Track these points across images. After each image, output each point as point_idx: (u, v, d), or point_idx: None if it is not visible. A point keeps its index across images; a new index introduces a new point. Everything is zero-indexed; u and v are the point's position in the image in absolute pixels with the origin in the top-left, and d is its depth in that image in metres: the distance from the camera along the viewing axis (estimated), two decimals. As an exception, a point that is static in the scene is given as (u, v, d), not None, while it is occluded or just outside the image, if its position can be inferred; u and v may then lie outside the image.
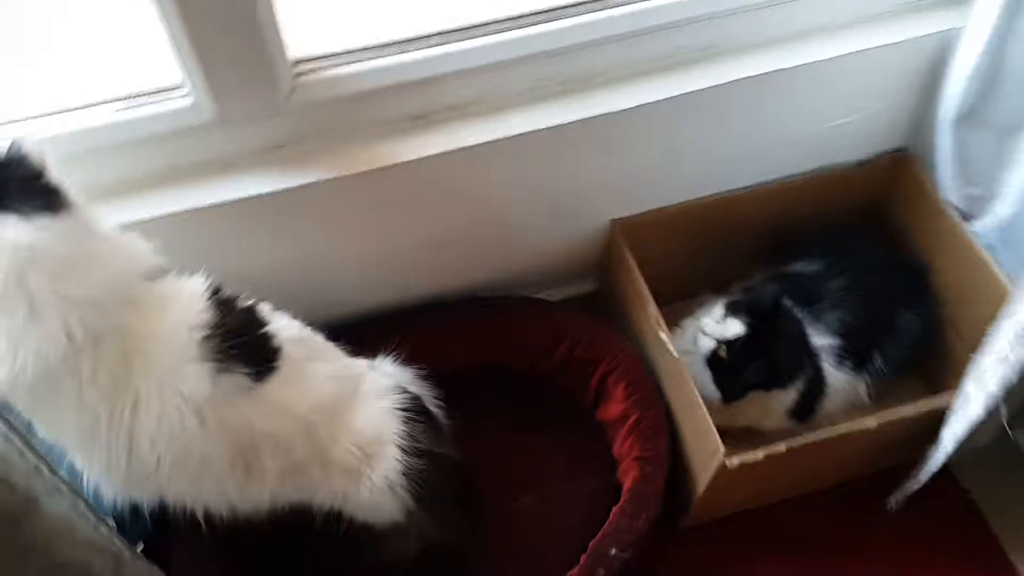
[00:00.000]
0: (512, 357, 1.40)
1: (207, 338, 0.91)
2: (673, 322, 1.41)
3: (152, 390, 0.88)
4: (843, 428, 1.17)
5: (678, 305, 1.42)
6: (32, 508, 0.89)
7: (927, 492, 1.30)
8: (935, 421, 1.18)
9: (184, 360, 0.89)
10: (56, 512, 0.91)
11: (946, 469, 1.43)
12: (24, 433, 0.84)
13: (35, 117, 0.99)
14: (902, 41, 1.22)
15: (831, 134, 1.34)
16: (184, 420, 0.90)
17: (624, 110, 1.14)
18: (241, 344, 0.93)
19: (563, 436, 1.39)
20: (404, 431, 1.07)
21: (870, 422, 1.16)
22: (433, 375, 1.23)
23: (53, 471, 0.87)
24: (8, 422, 0.81)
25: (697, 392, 1.20)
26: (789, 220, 1.46)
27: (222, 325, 0.92)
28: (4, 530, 0.92)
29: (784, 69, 1.19)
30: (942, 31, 1.23)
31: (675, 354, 1.22)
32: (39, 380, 0.83)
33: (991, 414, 1.11)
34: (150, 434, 0.89)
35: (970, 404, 1.09)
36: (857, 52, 1.21)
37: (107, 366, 0.85)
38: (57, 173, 0.86)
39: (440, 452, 1.11)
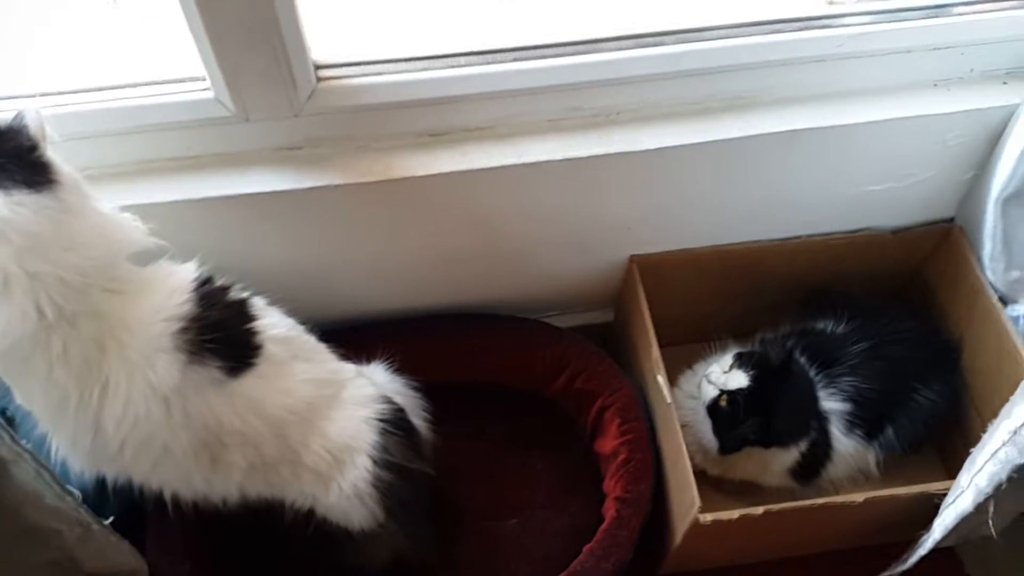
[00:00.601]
0: (515, 377, 1.41)
1: (182, 329, 0.92)
2: (687, 364, 1.40)
3: (121, 376, 0.89)
4: (826, 501, 1.13)
5: (695, 347, 1.39)
6: (2, 471, 0.93)
7: (927, 568, 1.24)
8: (928, 507, 1.13)
9: (155, 349, 0.91)
10: (21, 478, 0.95)
11: (952, 552, 1.39)
12: None
13: (58, 93, 1.03)
14: (956, 112, 1.17)
15: (872, 197, 1.29)
16: (150, 408, 0.91)
17: (647, 150, 1.12)
18: (218, 338, 0.94)
19: (557, 462, 1.39)
20: (378, 442, 1.08)
21: (856, 498, 1.11)
22: (430, 386, 1.24)
23: (15, 440, 0.90)
24: None
25: (684, 442, 1.17)
26: (820, 277, 1.42)
27: (201, 317, 0.93)
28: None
29: (822, 128, 1.15)
30: (1004, 106, 1.17)
31: (668, 399, 1.20)
32: (9, 353, 0.85)
33: (993, 507, 1.06)
34: (115, 418, 0.91)
35: (961, 497, 1.04)
36: (905, 119, 1.16)
37: (79, 347, 0.87)
38: (52, 149, 0.87)
39: (413, 467, 1.12)
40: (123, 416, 0.91)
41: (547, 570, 1.21)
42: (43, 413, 0.94)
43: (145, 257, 0.94)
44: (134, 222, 0.93)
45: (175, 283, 0.95)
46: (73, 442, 0.95)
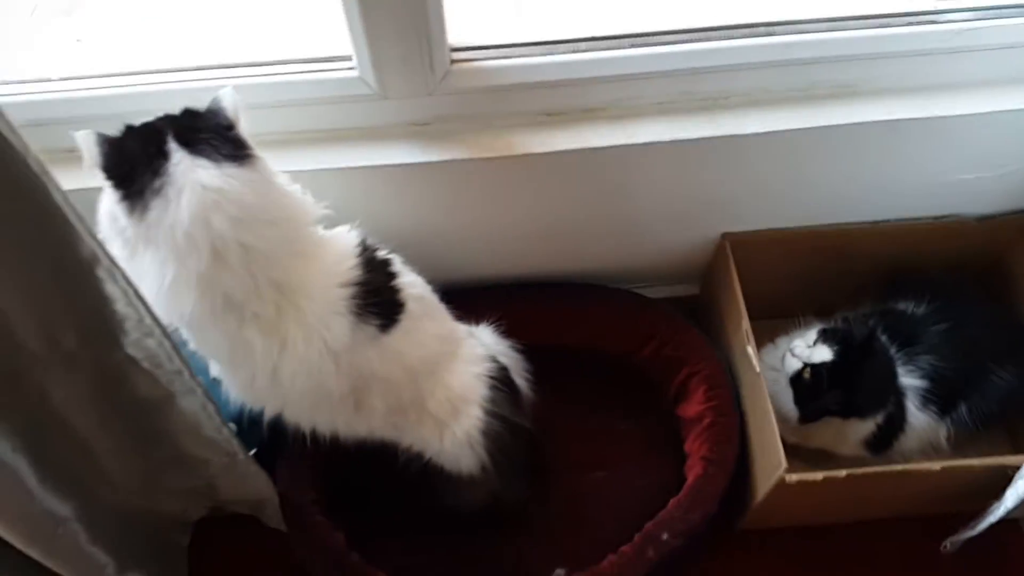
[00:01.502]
0: (607, 344, 1.50)
1: (353, 295, 1.02)
2: (769, 338, 1.47)
3: (300, 336, 0.99)
4: (907, 467, 1.20)
5: (778, 323, 1.47)
6: (169, 402, 1.06)
7: (989, 541, 1.32)
8: (1001, 478, 1.20)
9: (331, 313, 1.01)
10: (188, 410, 1.08)
11: (1016, 524, 1.45)
12: (172, 338, 0.97)
13: (218, 67, 1.13)
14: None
15: (962, 185, 1.35)
16: (323, 363, 1.01)
17: (751, 134, 1.19)
18: (378, 300, 1.04)
19: (641, 424, 1.49)
20: (488, 396, 1.19)
21: (934, 466, 1.19)
22: (530, 348, 1.35)
23: (192, 375, 1.01)
24: (162, 328, 0.94)
25: (772, 408, 1.25)
26: (904, 260, 1.47)
27: (366, 283, 1.03)
28: (144, 417, 1.10)
29: (922, 119, 1.20)
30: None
31: (757, 368, 1.28)
32: (214, 317, 0.95)
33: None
34: (291, 370, 1.01)
35: (1036, 471, 1.11)
36: (1001, 112, 1.21)
37: (266, 311, 0.97)
38: (246, 127, 0.96)
39: (517, 421, 1.23)
40: (298, 369, 1.01)
41: (630, 520, 1.30)
42: (223, 360, 1.05)
43: (314, 225, 1.03)
44: (306, 193, 1.02)
45: (343, 249, 1.04)
46: (248, 384, 1.05)
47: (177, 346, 0.96)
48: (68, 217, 0.76)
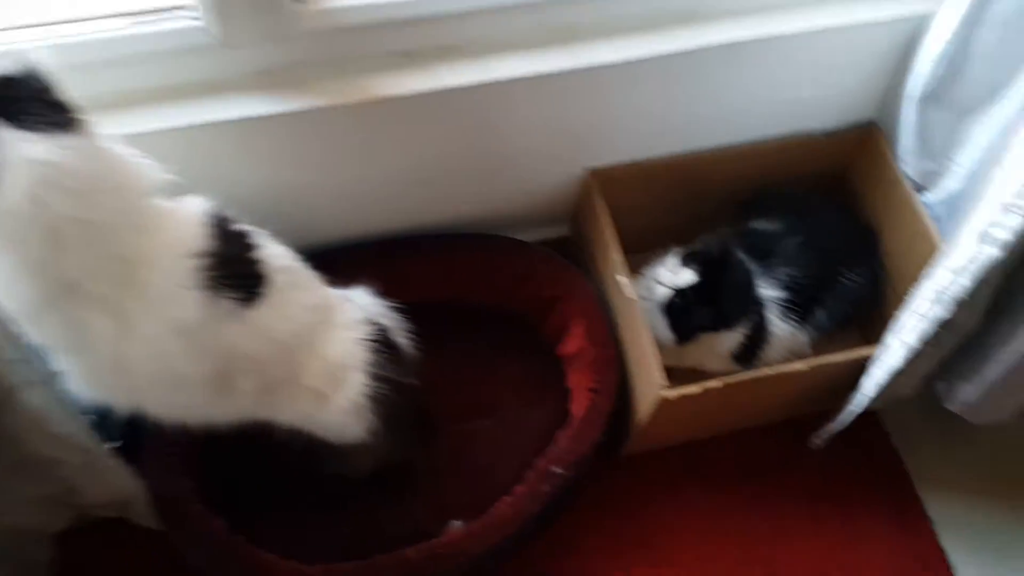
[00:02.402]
0: (484, 290, 1.49)
1: (202, 266, 0.93)
2: (637, 271, 1.51)
3: (146, 313, 0.90)
4: (777, 369, 1.27)
5: (647, 255, 1.50)
6: (9, 398, 0.96)
7: (853, 435, 1.43)
8: (860, 370, 1.29)
9: (178, 286, 0.92)
10: (32, 405, 0.98)
11: (873, 416, 1.57)
12: (8, 325, 0.87)
13: (39, 25, 1.03)
14: (879, 21, 1.29)
15: (804, 103, 1.42)
16: (173, 343, 0.93)
17: (606, 64, 1.21)
18: (233, 272, 0.96)
19: (524, 367, 1.50)
20: (370, 360, 1.15)
21: (802, 365, 1.26)
22: (407, 304, 1.31)
23: (37, 363, 0.93)
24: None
25: (646, 331, 1.29)
26: (758, 181, 1.54)
27: (217, 253, 0.95)
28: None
29: (761, 39, 1.25)
30: (918, 15, 1.29)
31: (630, 295, 1.31)
32: (54, 302, 0.86)
33: (910, 368, 1.22)
34: (138, 353, 0.92)
35: (889, 354, 1.19)
36: (835, 28, 1.27)
37: (109, 289, 0.88)
38: (64, 88, 0.84)
39: (402, 380, 1.20)
40: (147, 351, 0.92)
41: (521, 462, 1.31)
42: (63, 348, 0.94)
43: (155, 193, 0.94)
44: (144, 158, 0.92)
45: (189, 218, 0.96)
46: (92, 376, 0.96)
47: (13, 333, 0.87)
48: None
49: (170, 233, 0.94)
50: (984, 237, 0.97)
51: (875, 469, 1.54)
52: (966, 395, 1.36)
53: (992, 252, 0.97)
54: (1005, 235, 0.94)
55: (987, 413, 1.39)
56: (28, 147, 0.79)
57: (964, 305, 1.10)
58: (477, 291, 1.50)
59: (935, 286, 1.07)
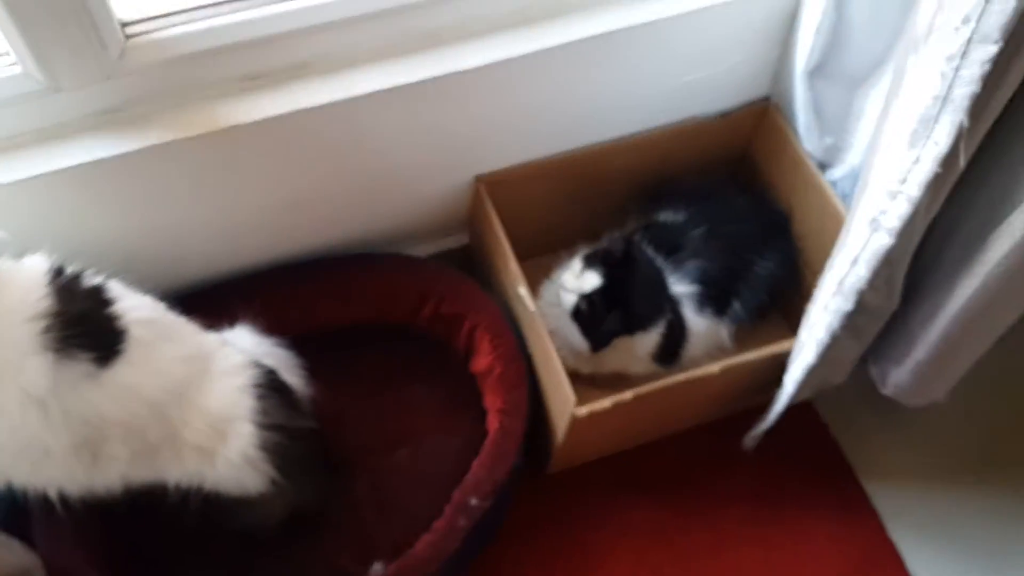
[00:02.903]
0: (383, 313, 1.42)
1: (46, 328, 0.87)
2: (545, 274, 1.44)
3: None
4: (688, 375, 1.21)
5: (551, 257, 1.44)
6: None
7: (789, 428, 1.36)
8: (779, 367, 1.24)
9: (22, 353, 0.86)
10: None
11: (808, 407, 1.52)
12: None
13: None
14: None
15: (693, 86, 1.36)
16: (26, 415, 0.88)
17: (472, 68, 1.13)
18: (83, 330, 0.90)
19: (436, 389, 1.42)
20: (257, 407, 1.08)
21: (713, 369, 1.20)
22: (301, 338, 1.25)
23: None
24: None
25: (555, 345, 1.23)
26: (659, 171, 1.48)
27: (63, 313, 0.89)
28: None
29: (635, 26, 1.19)
30: (792, -15, 1.24)
31: (531, 308, 1.24)
32: None
33: (831, 356, 1.17)
34: None
35: (804, 350, 1.14)
36: (708, 8, 1.21)
37: None
38: None
39: (296, 425, 1.13)
40: (1, 425, 0.87)
41: (444, 490, 1.24)
42: None
43: None
44: None
45: (27, 278, 0.89)
46: None
47: None
48: None
49: (9, 298, 0.87)
50: (874, 224, 0.91)
51: (815, 463, 1.48)
52: (898, 378, 1.31)
53: (884, 240, 0.91)
54: (894, 222, 0.88)
55: (921, 395, 1.34)
56: None
57: (874, 291, 1.04)
58: (377, 313, 1.42)
59: (835, 276, 1.01)
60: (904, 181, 0.83)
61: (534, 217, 1.43)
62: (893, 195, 0.86)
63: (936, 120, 0.76)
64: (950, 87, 0.74)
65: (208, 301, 1.24)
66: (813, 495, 1.45)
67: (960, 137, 0.77)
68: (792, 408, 1.31)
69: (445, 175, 1.34)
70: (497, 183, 1.36)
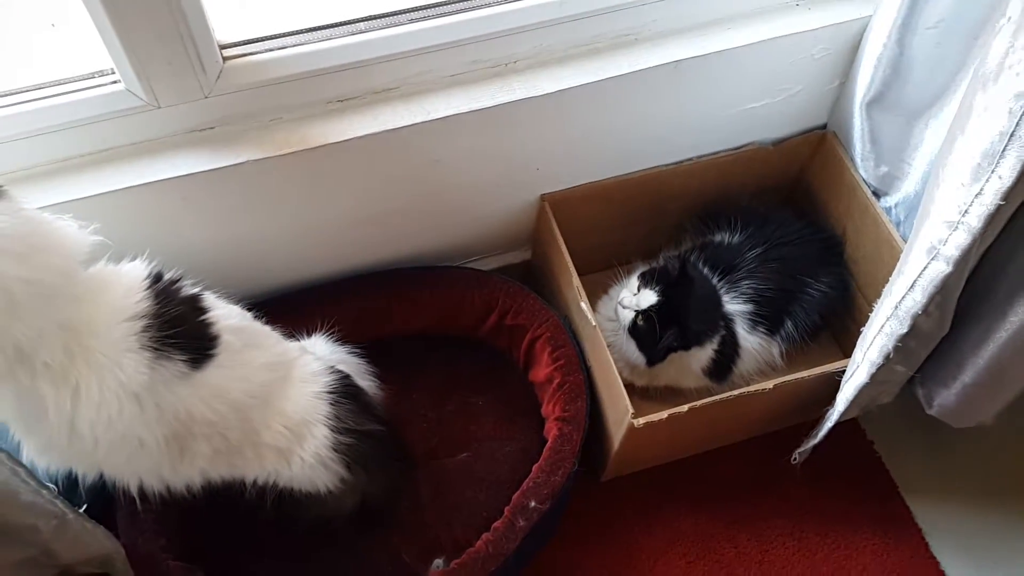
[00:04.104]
0: (449, 323, 1.48)
1: (145, 328, 0.94)
2: (603, 290, 1.50)
3: (92, 380, 0.91)
4: (741, 391, 1.25)
5: (609, 273, 1.50)
6: None
7: (836, 445, 1.40)
8: (830, 384, 1.28)
9: (122, 350, 0.92)
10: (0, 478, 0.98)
11: (855, 424, 1.55)
12: None
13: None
14: (818, 28, 1.28)
15: (753, 114, 1.41)
16: (123, 407, 0.93)
17: (547, 94, 1.20)
18: (179, 332, 0.96)
19: (496, 397, 1.48)
20: (332, 412, 1.14)
21: (767, 385, 1.25)
22: (372, 345, 1.32)
23: None
24: None
25: (613, 358, 1.28)
26: (715, 194, 1.53)
27: (160, 315, 0.95)
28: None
29: (702, 55, 1.24)
30: (859, 18, 1.28)
31: (593, 323, 1.29)
32: (8, 376, 0.86)
33: (882, 378, 1.21)
34: (90, 420, 0.92)
35: (857, 371, 1.18)
36: (773, 39, 1.26)
37: (54, 358, 0.88)
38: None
39: (367, 428, 1.19)
40: (97, 417, 0.93)
41: (502, 492, 1.30)
42: (17, 422, 0.95)
43: (89, 260, 0.94)
44: (73, 223, 0.92)
45: (129, 282, 0.96)
46: (47, 446, 0.96)
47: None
48: None
49: (111, 298, 0.94)
50: (932, 252, 0.96)
51: (860, 479, 1.52)
52: (945, 400, 1.34)
53: (941, 267, 0.95)
54: (953, 251, 0.93)
55: (967, 416, 1.37)
56: None
57: (926, 316, 1.08)
58: (443, 323, 1.48)
59: (892, 301, 1.05)
60: (965, 213, 0.88)
61: (594, 234, 1.49)
62: (953, 226, 0.90)
63: (1002, 155, 0.81)
64: (1017, 124, 0.79)
65: (287, 308, 1.32)
66: (858, 510, 1.49)
67: (1024, 173, 0.81)
68: (839, 426, 1.35)
69: (512, 193, 1.40)
70: (561, 202, 1.42)
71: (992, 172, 0.83)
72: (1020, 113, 0.78)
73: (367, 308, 1.41)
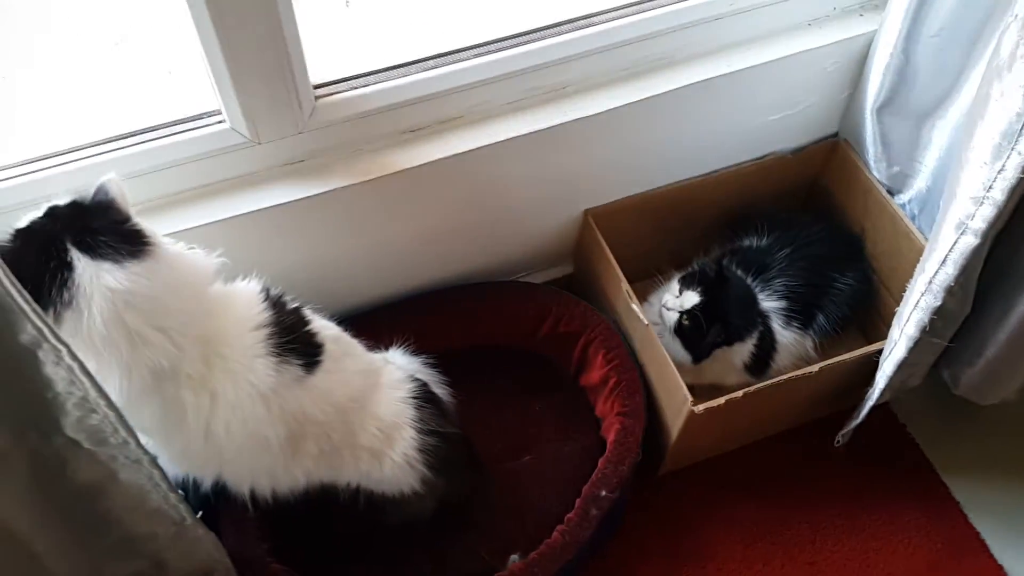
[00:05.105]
0: (504, 335, 1.59)
1: (268, 336, 1.05)
2: (643, 297, 1.61)
3: (228, 384, 1.02)
4: (791, 374, 1.36)
5: (647, 283, 1.62)
6: (112, 481, 1.03)
7: (871, 431, 1.52)
8: (870, 366, 1.39)
9: (252, 356, 1.04)
10: (132, 484, 1.04)
11: (887, 409, 1.66)
12: (117, 408, 0.94)
13: (89, 146, 1.15)
14: (829, 44, 1.42)
15: (773, 126, 1.54)
16: (254, 408, 1.04)
17: (594, 115, 1.33)
18: (295, 339, 1.08)
19: (551, 402, 1.58)
20: (416, 415, 1.25)
21: (814, 368, 1.36)
22: (437, 356, 1.42)
23: (138, 444, 0.98)
24: (107, 399, 0.91)
25: (666, 354, 1.39)
26: (741, 202, 1.66)
27: (279, 323, 1.07)
28: (85, 504, 1.07)
29: (728, 74, 1.38)
30: (866, 33, 1.43)
31: (645, 322, 1.41)
32: (149, 390, 0.97)
33: (916, 356, 1.32)
34: (225, 421, 1.03)
35: (895, 347, 1.29)
36: (790, 56, 1.40)
37: (195, 368, 0.99)
38: (136, 215, 0.98)
39: (446, 430, 1.29)
40: (232, 418, 1.03)
41: (567, 488, 1.39)
42: (158, 430, 1.05)
43: (214, 280, 1.06)
44: (200, 252, 1.05)
45: (249, 296, 1.08)
46: (184, 450, 1.07)
47: (122, 416, 0.95)
48: (13, 296, 0.77)
49: (236, 311, 1.06)
50: (960, 227, 1.08)
51: (898, 460, 1.62)
52: (970, 379, 1.45)
53: (970, 240, 1.08)
54: (980, 224, 1.05)
55: (992, 393, 1.48)
56: (109, 278, 0.93)
57: (953, 293, 1.20)
58: (498, 336, 1.59)
59: (926, 277, 1.17)
60: (990, 188, 1.00)
61: (630, 246, 1.60)
62: (979, 201, 1.03)
63: (1020, 133, 0.94)
64: (1032, 105, 0.92)
65: (361, 324, 1.42)
66: (899, 489, 1.59)
67: (1041, 147, 0.94)
68: (873, 412, 1.46)
69: (559, 209, 1.53)
70: (603, 215, 1.54)
71: (1012, 149, 0.96)
72: (1034, 95, 0.91)
73: (431, 323, 1.52)
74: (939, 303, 1.18)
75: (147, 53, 1.26)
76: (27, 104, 1.25)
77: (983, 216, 1.04)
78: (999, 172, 0.98)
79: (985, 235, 1.06)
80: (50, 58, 1.25)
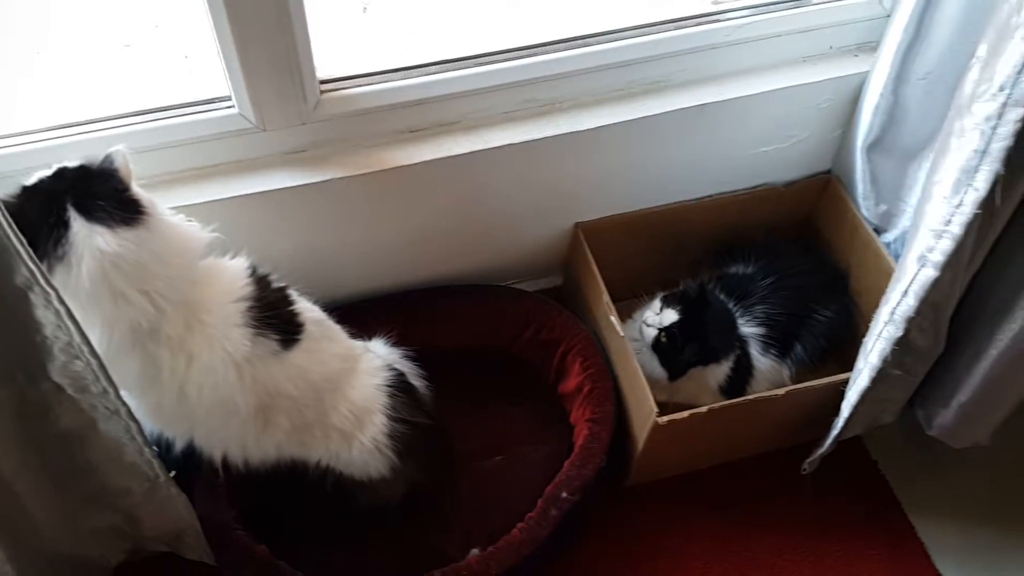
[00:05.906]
0: (487, 338, 1.64)
1: (249, 308, 1.12)
2: (627, 315, 1.65)
3: (204, 348, 1.08)
4: (756, 396, 1.40)
5: (632, 301, 1.65)
6: (92, 430, 1.10)
7: (841, 462, 1.55)
8: (839, 396, 1.42)
9: (230, 324, 1.10)
10: (110, 435, 1.12)
11: (860, 443, 1.68)
12: (99, 357, 1.02)
13: (107, 119, 1.23)
14: (823, 80, 1.47)
15: (766, 157, 1.59)
16: (227, 373, 1.10)
17: (586, 130, 1.38)
18: (274, 315, 1.14)
19: (529, 406, 1.63)
20: (389, 403, 1.31)
21: (779, 392, 1.39)
22: (420, 353, 1.47)
23: (117, 395, 1.06)
24: (90, 347, 0.98)
25: (638, 366, 1.43)
26: (731, 229, 1.70)
27: (260, 298, 1.13)
28: (65, 451, 1.13)
29: (721, 101, 1.43)
30: (859, 73, 1.48)
31: (621, 333, 1.45)
32: (128, 346, 1.04)
33: (882, 391, 1.35)
34: (198, 383, 1.09)
35: (860, 376, 1.33)
36: (784, 89, 1.46)
37: (174, 330, 1.06)
38: (137, 171, 1.05)
39: (419, 420, 1.34)
40: (204, 381, 1.10)
41: (531, 493, 1.43)
42: (135, 384, 1.11)
43: (205, 253, 1.12)
44: (194, 223, 1.12)
45: (235, 271, 1.15)
46: (158, 407, 1.13)
47: (103, 365, 1.02)
48: (10, 238, 0.83)
49: (221, 283, 1.13)
50: (921, 260, 1.12)
51: (865, 495, 1.64)
52: (944, 420, 1.48)
53: (930, 273, 1.11)
54: (939, 257, 1.09)
55: (965, 436, 1.51)
56: (100, 240, 0.99)
57: (920, 328, 1.24)
58: (480, 338, 1.64)
59: (889, 308, 1.21)
60: (949, 222, 1.04)
61: (619, 264, 1.64)
62: (939, 235, 1.07)
63: (977, 170, 0.98)
64: (988, 142, 0.96)
65: (348, 315, 1.47)
66: (865, 524, 1.60)
67: (997, 183, 0.98)
68: (845, 445, 1.49)
69: (550, 220, 1.58)
70: (593, 230, 1.59)
71: (969, 185, 1.00)
72: (990, 133, 0.95)
73: (417, 319, 1.57)
74: (901, 333, 1.21)
75: (176, 38, 1.34)
76: (60, 77, 1.34)
77: (942, 250, 1.08)
78: (957, 207, 1.03)
79: (943, 268, 1.10)
80: (87, 38, 1.35)
